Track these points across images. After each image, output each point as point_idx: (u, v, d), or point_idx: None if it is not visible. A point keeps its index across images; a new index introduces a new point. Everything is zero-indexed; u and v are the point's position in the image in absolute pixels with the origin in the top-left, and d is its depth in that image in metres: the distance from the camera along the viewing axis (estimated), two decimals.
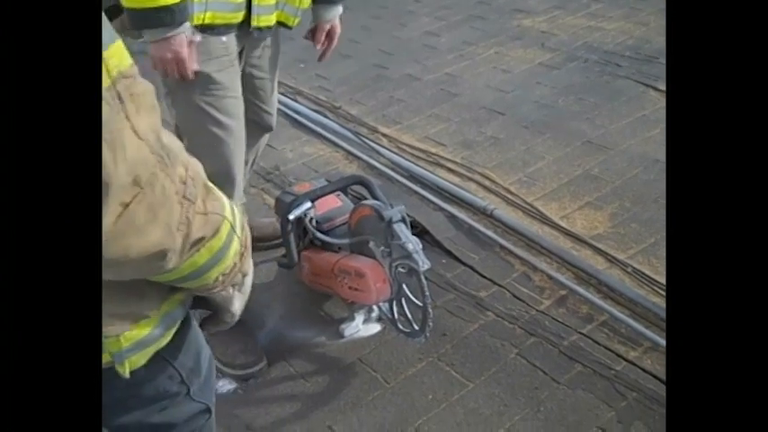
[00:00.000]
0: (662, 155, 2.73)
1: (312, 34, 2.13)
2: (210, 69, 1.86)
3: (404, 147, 3.12)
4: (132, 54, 0.79)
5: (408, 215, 1.95)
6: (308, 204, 2.11)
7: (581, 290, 2.24)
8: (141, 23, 1.67)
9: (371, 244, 1.97)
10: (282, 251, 2.30)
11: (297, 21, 2.00)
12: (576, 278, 2.31)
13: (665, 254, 2.24)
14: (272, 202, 2.60)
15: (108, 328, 0.95)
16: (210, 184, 0.95)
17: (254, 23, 1.87)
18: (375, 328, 2.19)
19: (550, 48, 3.91)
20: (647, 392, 1.91)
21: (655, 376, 1.95)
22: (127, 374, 1.00)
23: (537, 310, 2.21)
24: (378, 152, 3.05)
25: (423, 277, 1.84)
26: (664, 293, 2.17)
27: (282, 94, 3.32)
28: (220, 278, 1.00)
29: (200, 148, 1.64)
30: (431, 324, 1.89)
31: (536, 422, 1.88)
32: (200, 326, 1.16)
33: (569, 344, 2.08)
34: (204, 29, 1.80)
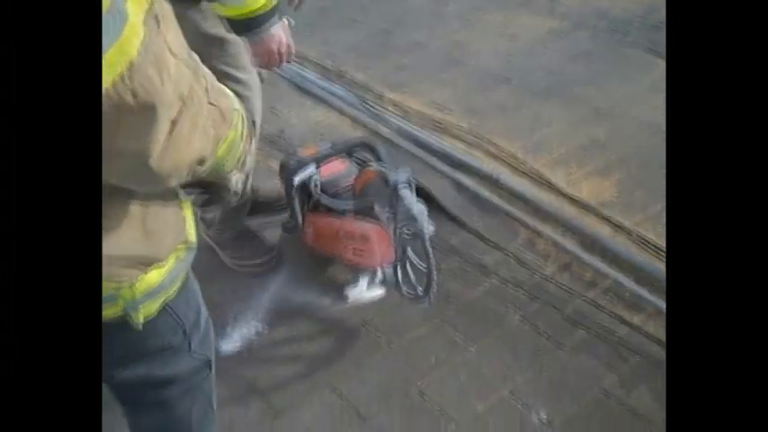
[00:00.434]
0: None
1: None
2: (220, 30, 1.86)
3: (410, 113, 3.11)
4: None
5: (414, 180, 1.94)
6: (313, 168, 2.11)
7: (585, 256, 2.24)
8: (243, 29, 1.75)
9: (376, 208, 1.96)
10: (287, 215, 2.31)
11: None
12: (580, 244, 2.31)
13: None
14: (276, 166, 2.59)
15: (122, 273, 0.96)
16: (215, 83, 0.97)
17: None
18: (379, 291, 2.19)
19: (559, 14, 3.87)
20: (650, 357, 1.92)
21: (658, 341, 1.95)
22: (140, 323, 1.01)
23: (541, 276, 2.21)
24: (384, 118, 3.04)
25: (427, 241, 1.84)
26: None
27: None
28: (233, 167, 1.05)
29: None
30: (435, 288, 1.89)
31: (539, 385, 1.89)
32: (201, 207, 1.17)
33: (573, 309, 2.09)
34: None
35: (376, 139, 2.84)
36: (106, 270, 0.90)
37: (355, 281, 2.19)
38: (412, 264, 1.98)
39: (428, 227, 1.81)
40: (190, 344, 1.18)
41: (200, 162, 0.92)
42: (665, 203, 2.41)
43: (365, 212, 2.03)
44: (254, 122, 2.06)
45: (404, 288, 2.03)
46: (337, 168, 2.19)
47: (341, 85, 3.33)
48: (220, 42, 1.86)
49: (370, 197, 1.99)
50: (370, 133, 2.98)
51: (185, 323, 1.15)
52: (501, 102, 3.13)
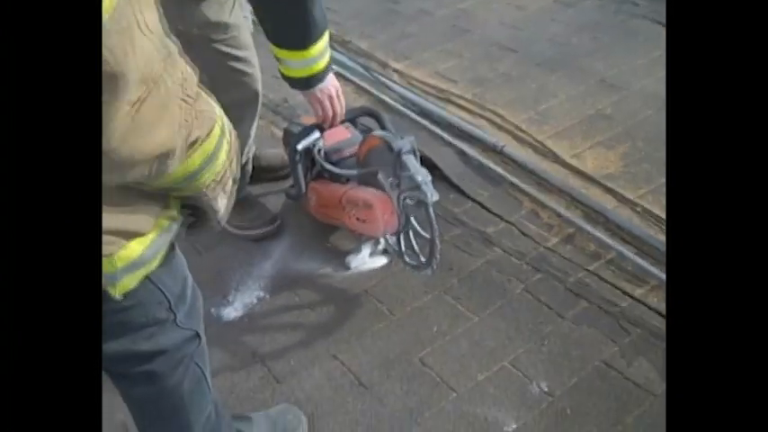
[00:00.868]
0: None
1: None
2: (223, 17, 1.95)
3: (414, 82, 3.08)
4: None
5: (418, 149, 1.93)
6: (317, 135, 2.09)
7: (589, 228, 2.23)
8: (304, 86, 1.95)
9: (380, 175, 1.95)
10: (290, 182, 2.30)
11: None
12: (584, 216, 2.30)
13: None
14: (279, 134, 2.58)
15: (102, 247, 0.94)
16: (198, 89, 0.94)
17: None
18: (382, 260, 2.19)
19: None
20: (652, 329, 1.91)
21: (659, 313, 1.95)
22: (119, 297, 0.99)
23: (544, 247, 2.21)
24: (388, 87, 3.01)
25: (431, 209, 1.82)
26: None
27: None
28: (212, 183, 1.00)
29: (228, 84, 2.00)
30: (438, 257, 1.89)
31: (540, 356, 1.89)
32: (187, 232, 1.15)
33: (575, 280, 2.08)
34: None
35: (380, 107, 2.82)
36: None
37: (358, 249, 2.19)
38: (415, 232, 1.97)
39: (432, 194, 1.80)
40: (176, 316, 1.16)
41: (165, 156, 0.87)
42: None
43: (369, 180, 2.02)
44: (256, 92, 2.06)
45: (406, 257, 2.03)
46: (341, 136, 2.17)
47: (344, 53, 3.29)
48: (224, 27, 1.97)
49: (374, 165, 1.98)
50: (373, 102, 2.96)
51: (170, 296, 1.12)
52: (506, 72, 3.10)
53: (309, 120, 2.17)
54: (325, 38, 1.88)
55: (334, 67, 2.75)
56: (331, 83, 1.98)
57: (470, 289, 2.09)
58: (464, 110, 2.86)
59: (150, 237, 1.00)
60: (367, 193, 2.00)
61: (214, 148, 0.97)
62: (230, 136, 1.02)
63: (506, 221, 2.32)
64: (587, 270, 2.11)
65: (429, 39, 3.41)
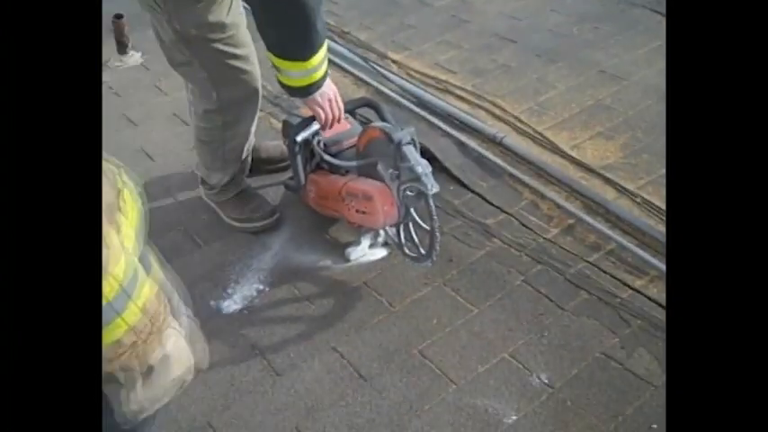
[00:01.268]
0: None
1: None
2: (221, 17, 1.96)
3: (413, 73, 3.07)
4: None
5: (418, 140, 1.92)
6: (316, 126, 2.08)
7: (589, 219, 2.22)
8: (303, 94, 1.96)
9: (380, 166, 1.94)
10: (289, 174, 2.29)
11: None
12: (584, 207, 2.29)
13: None
14: (278, 126, 2.58)
15: None
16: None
17: None
18: (381, 252, 2.19)
19: None
20: (652, 320, 1.91)
21: (660, 304, 1.94)
22: None
23: (544, 238, 2.20)
24: (387, 78, 3.00)
25: (431, 200, 1.82)
26: None
27: None
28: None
29: (228, 81, 2.05)
30: (438, 248, 1.88)
31: (539, 347, 1.88)
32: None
33: (575, 272, 2.08)
34: None
35: (379, 98, 2.81)
36: None
37: (357, 241, 2.18)
38: (415, 223, 1.96)
39: (432, 186, 1.79)
40: None
41: None
42: None
43: (368, 171, 2.01)
44: (256, 89, 2.07)
45: (406, 248, 2.02)
46: (340, 127, 2.16)
47: (343, 45, 3.28)
48: (222, 26, 1.98)
49: (374, 156, 1.97)
50: (373, 93, 2.95)
51: None
52: (506, 63, 3.09)
53: (308, 111, 2.16)
54: (325, 47, 1.89)
55: (333, 58, 2.75)
56: (329, 87, 1.99)
57: (470, 281, 2.09)
58: (463, 101, 2.85)
59: None
60: (367, 185, 1.99)
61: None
62: (139, 315, 0.97)
63: (506, 213, 2.31)
64: (587, 261, 2.11)
65: (428, 29, 3.40)
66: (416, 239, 1.98)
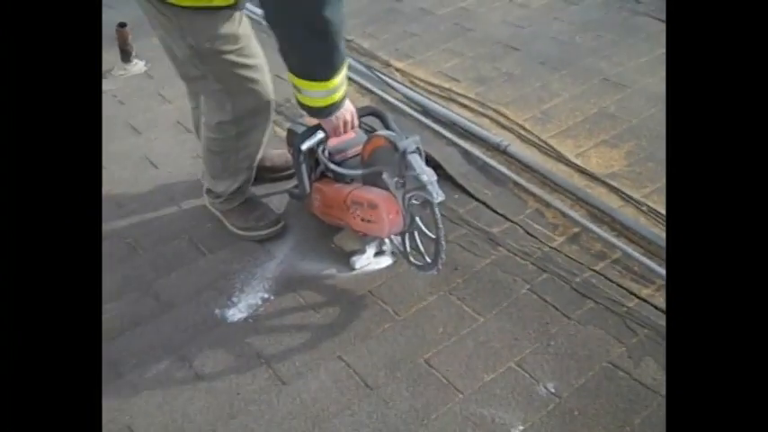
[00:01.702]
0: None
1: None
2: (232, 28, 1.98)
3: (417, 81, 3.07)
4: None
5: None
6: (321, 135, 2.08)
7: (594, 227, 2.22)
8: (323, 114, 1.97)
9: (385, 175, 1.94)
10: (294, 182, 2.29)
11: None
12: (589, 216, 2.28)
13: None
14: (283, 134, 2.57)
15: None
16: None
17: None
18: (386, 260, 2.18)
19: None
20: (659, 329, 1.90)
21: (666, 313, 1.93)
22: None
23: (549, 247, 2.19)
24: (390, 86, 3.00)
25: (436, 209, 1.82)
26: None
27: None
28: None
29: (240, 91, 2.07)
30: (443, 256, 1.88)
31: (546, 356, 1.88)
32: None
33: (581, 280, 2.07)
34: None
35: (383, 106, 2.81)
36: None
37: (362, 250, 2.17)
38: (420, 232, 1.96)
39: (438, 195, 1.79)
40: None
41: None
42: None
43: (373, 180, 2.01)
44: (268, 98, 2.14)
45: (412, 257, 2.01)
46: (345, 135, 2.16)
47: (348, 53, 3.28)
48: (234, 38, 2.00)
49: (379, 165, 1.97)
50: (377, 101, 2.95)
51: None
52: (509, 71, 3.09)
53: (312, 120, 2.16)
54: (345, 67, 1.88)
55: None
56: (348, 108, 2.00)
57: (476, 289, 2.08)
58: (467, 109, 2.86)
59: None
60: (372, 194, 1.98)
61: None
62: None
63: (511, 221, 2.30)
64: (593, 270, 2.10)
65: (431, 38, 3.40)
66: (422, 248, 1.98)
